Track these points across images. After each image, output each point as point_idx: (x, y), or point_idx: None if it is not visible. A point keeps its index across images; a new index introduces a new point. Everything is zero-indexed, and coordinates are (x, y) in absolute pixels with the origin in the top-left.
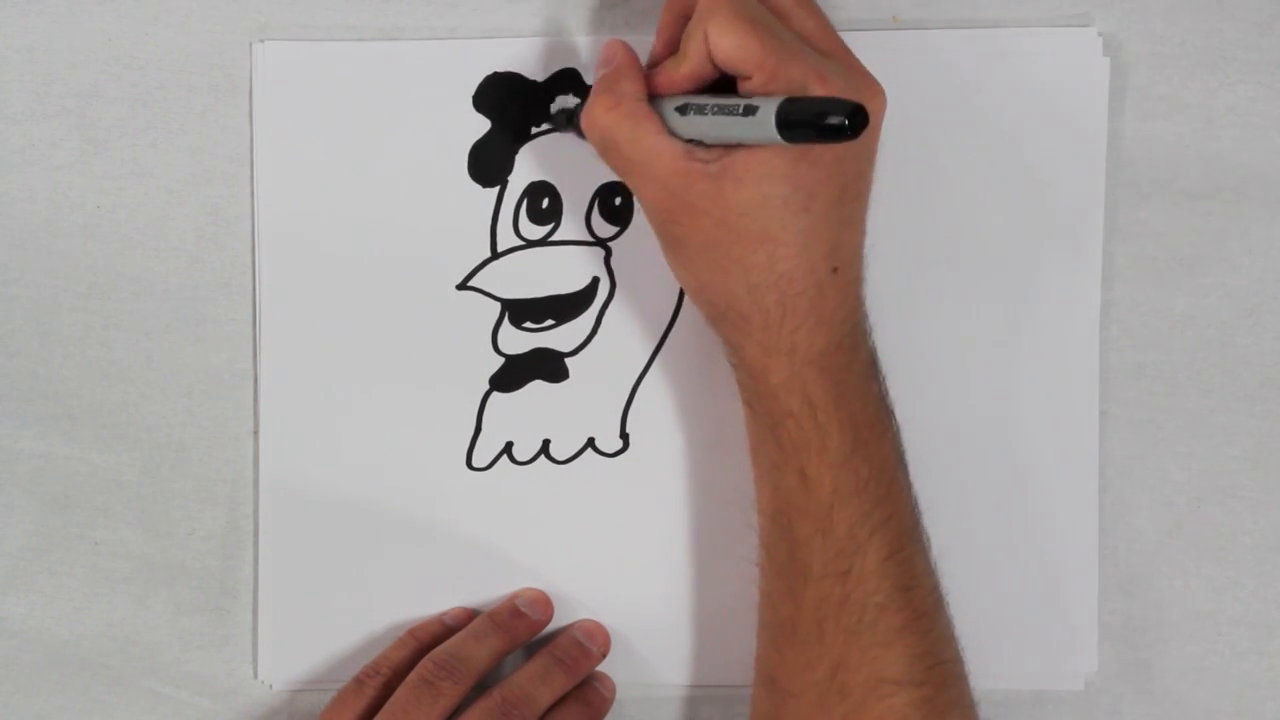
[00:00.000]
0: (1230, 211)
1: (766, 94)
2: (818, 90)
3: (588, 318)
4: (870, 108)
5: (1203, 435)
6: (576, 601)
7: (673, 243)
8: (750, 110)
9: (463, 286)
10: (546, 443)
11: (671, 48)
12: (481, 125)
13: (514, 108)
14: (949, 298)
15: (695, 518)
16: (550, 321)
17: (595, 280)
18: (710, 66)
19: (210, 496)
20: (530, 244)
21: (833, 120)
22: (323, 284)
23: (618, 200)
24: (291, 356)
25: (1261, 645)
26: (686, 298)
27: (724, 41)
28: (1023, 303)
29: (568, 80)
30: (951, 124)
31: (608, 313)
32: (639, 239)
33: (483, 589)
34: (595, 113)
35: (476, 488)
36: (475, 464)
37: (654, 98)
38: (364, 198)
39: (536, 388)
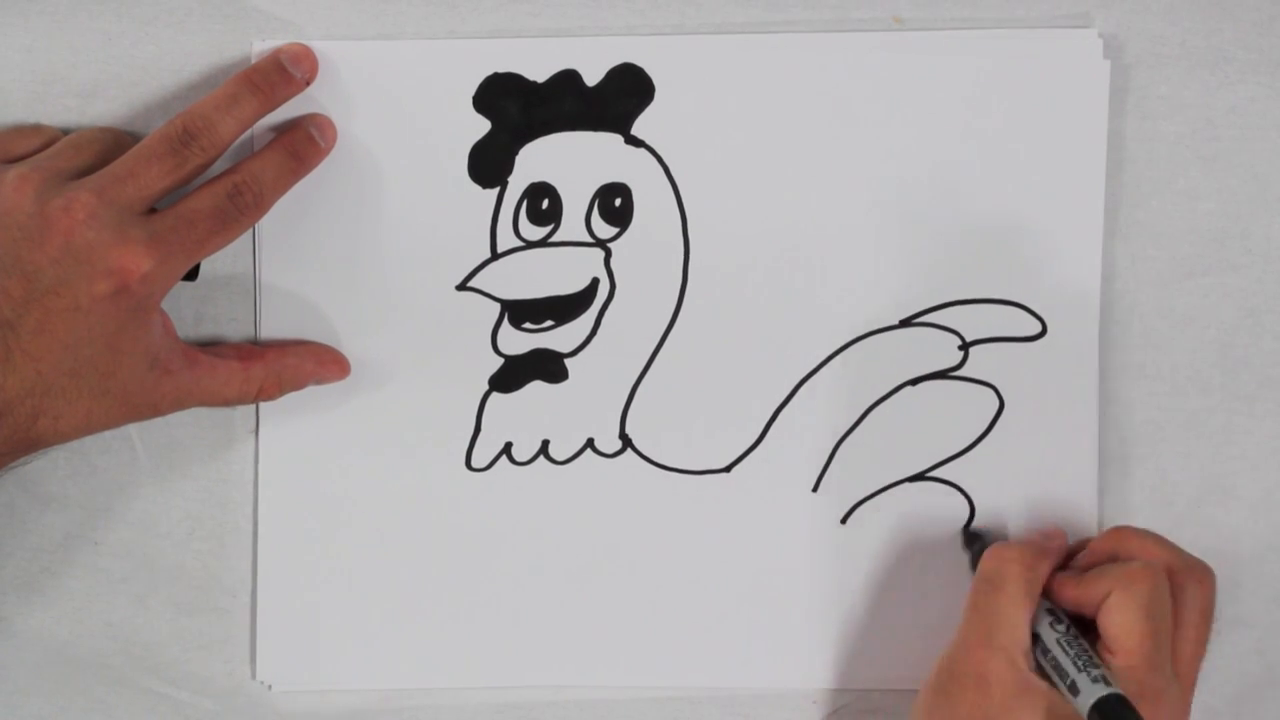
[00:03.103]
0: (1230, 211)
1: (1114, 672)
2: (1145, 710)
3: (587, 318)
4: None
5: (1203, 435)
6: (576, 602)
7: (940, 697)
8: (1087, 666)
9: (462, 287)
10: (546, 443)
11: (1093, 561)
12: (481, 126)
13: (514, 108)
14: (948, 297)
15: (694, 518)
16: (550, 322)
17: (595, 281)
18: (1090, 608)
19: (210, 496)
20: (530, 245)
21: None
22: (323, 284)
23: (617, 201)
24: None
25: (1261, 645)
26: (688, 299)
27: (1117, 615)
28: (1022, 303)
29: (568, 81)
30: (952, 125)
31: (607, 313)
32: (639, 240)
33: (482, 589)
34: (1011, 556)
35: (475, 488)
36: (474, 464)
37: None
38: (364, 198)
39: (536, 388)
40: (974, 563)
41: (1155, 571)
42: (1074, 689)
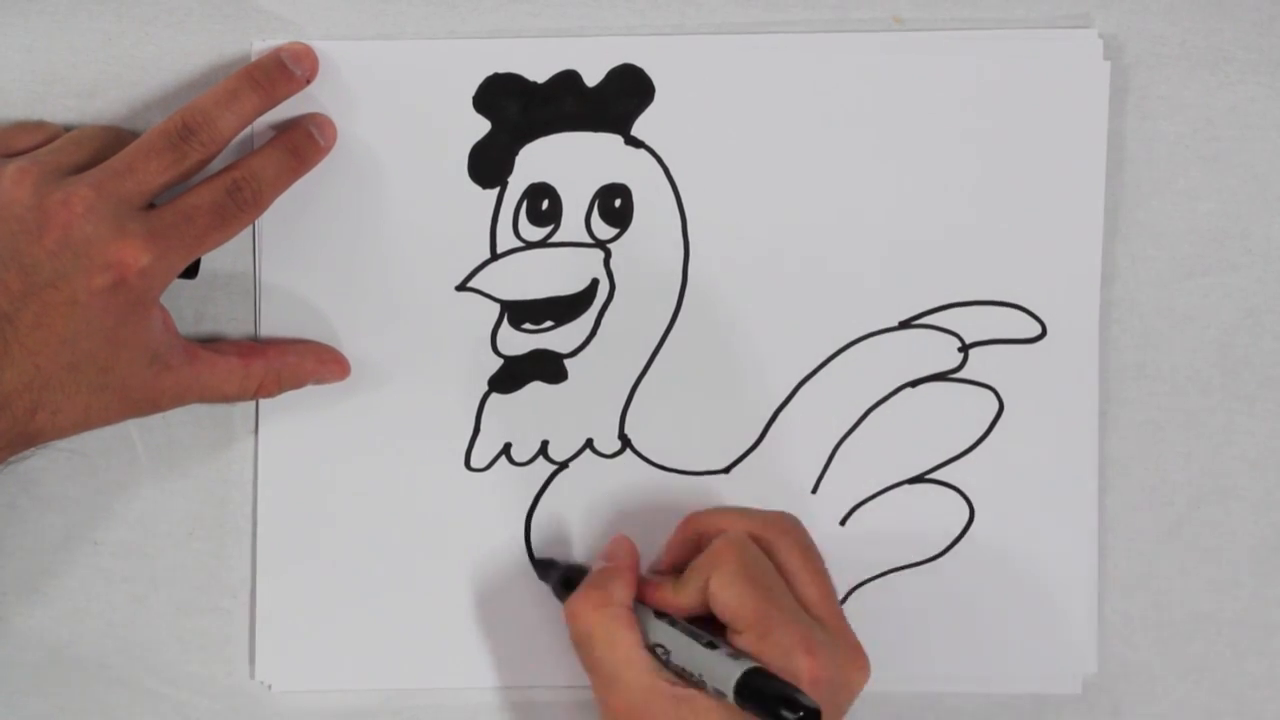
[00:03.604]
0: (1230, 211)
1: (752, 652)
2: (802, 660)
3: (587, 319)
4: (850, 680)
5: (1203, 435)
6: None
7: None
8: (713, 646)
9: (462, 287)
10: (545, 444)
11: (676, 566)
12: (481, 126)
13: (514, 109)
14: (948, 299)
15: None
16: (549, 323)
17: (595, 282)
18: (706, 606)
19: (210, 496)
20: (530, 245)
21: (787, 715)
22: (322, 284)
23: (617, 202)
24: None
25: (1261, 645)
26: (687, 300)
27: (722, 594)
28: (1022, 304)
29: (568, 81)
30: (952, 125)
31: (607, 314)
32: (638, 241)
33: (480, 589)
34: (581, 607)
35: (475, 488)
36: (474, 464)
37: (638, 601)
38: (363, 198)
39: (535, 389)
40: (555, 590)
41: (735, 540)
42: (713, 679)
